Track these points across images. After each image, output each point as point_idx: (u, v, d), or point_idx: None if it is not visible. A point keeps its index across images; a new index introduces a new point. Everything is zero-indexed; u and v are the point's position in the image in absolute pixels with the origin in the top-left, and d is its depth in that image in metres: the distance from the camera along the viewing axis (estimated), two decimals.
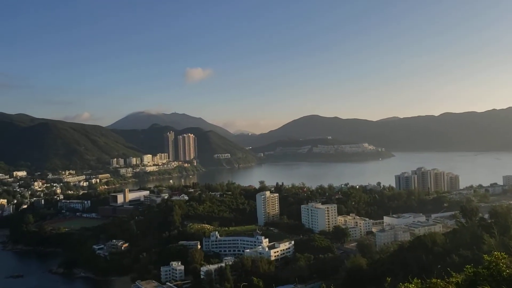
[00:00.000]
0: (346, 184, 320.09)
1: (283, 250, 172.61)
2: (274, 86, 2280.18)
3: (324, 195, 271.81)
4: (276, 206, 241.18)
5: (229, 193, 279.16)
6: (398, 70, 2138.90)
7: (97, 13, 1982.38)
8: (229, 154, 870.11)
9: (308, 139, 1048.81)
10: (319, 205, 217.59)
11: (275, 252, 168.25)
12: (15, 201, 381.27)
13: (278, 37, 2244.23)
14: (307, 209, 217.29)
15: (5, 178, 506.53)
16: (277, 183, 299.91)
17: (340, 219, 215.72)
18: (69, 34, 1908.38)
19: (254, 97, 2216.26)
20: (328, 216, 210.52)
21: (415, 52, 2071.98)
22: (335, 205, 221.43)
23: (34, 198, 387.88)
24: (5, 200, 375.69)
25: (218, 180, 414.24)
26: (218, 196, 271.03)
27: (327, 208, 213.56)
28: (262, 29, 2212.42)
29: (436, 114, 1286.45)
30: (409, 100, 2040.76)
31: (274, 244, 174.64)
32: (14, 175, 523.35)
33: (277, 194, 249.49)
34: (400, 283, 19.98)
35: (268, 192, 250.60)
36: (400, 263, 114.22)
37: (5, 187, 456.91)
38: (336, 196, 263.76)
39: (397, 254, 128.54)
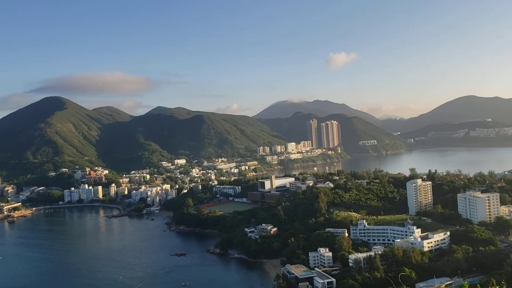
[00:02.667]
0: (510, 171, 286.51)
1: (438, 241, 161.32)
2: (424, 65, 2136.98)
3: (484, 183, 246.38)
4: (429, 195, 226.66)
5: (377, 181, 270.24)
6: None
7: (232, 9, 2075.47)
8: (375, 141, 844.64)
9: (464, 122, 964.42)
10: (479, 194, 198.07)
11: (428, 243, 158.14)
12: (177, 186, 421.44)
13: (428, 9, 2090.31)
14: (465, 198, 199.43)
15: (168, 166, 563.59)
16: (429, 171, 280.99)
17: (504, 209, 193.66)
18: (220, 37, 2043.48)
19: (403, 79, 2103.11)
20: (489, 205, 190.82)
21: None
22: (497, 194, 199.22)
23: (193, 184, 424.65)
24: (169, 186, 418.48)
25: (364, 167, 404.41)
26: (365, 184, 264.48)
27: (488, 197, 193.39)
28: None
29: None
30: None
31: (427, 234, 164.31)
32: (175, 163, 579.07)
33: (430, 182, 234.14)
34: None
35: (420, 180, 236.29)
36: None
37: (169, 174, 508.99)
38: (499, 184, 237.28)
39: None
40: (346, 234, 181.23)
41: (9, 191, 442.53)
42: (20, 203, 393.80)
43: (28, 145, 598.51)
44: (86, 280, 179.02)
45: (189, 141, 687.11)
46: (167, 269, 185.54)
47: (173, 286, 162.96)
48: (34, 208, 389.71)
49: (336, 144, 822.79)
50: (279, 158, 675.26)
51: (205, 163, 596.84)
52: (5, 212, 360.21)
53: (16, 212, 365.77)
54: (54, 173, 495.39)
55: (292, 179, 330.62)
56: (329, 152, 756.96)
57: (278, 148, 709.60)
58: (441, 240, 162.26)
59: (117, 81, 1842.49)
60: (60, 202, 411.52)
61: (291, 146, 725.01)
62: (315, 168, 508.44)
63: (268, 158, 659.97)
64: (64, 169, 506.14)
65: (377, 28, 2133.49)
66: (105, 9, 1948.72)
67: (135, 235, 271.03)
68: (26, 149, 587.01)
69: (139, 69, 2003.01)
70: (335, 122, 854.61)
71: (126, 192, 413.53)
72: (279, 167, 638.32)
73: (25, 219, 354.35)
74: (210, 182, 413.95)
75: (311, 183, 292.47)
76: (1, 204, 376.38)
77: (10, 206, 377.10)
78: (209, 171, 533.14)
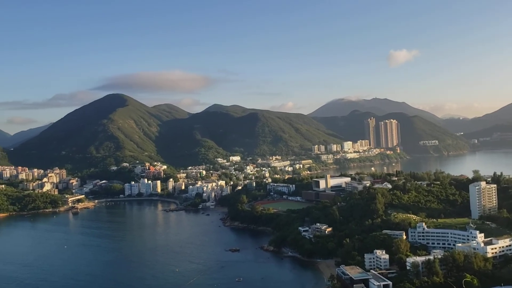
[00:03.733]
0: None
1: (503, 247, 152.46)
2: (492, 62, 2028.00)
3: None
4: (494, 199, 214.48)
5: (437, 182, 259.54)
6: None
7: (290, 8, 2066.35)
8: (436, 141, 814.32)
9: None
10: None
11: (492, 249, 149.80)
12: (232, 182, 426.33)
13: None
14: None
15: (224, 163, 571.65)
16: (494, 173, 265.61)
17: None
18: (277, 36, 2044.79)
19: (467, 77, 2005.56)
20: None
21: None
22: None
23: (247, 181, 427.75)
24: (224, 182, 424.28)
25: (424, 168, 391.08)
26: (425, 185, 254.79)
27: None
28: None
29: None
30: None
31: (491, 240, 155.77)
32: (230, 160, 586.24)
33: (495, 185, 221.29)
34: None
35: (484, 182, 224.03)
36: None
37: (224, 170, 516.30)
38: None
39: None
40: (404, 237, 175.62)
41: (73, 184, 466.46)
42: (83, 196, 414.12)
43: (92, 140, 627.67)
44: (146, 270, 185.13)
45: (244, 139, 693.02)
46: (221, 264, 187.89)
47: (227, 281, 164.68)
48: (96, 201, 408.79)
49: (395, 144, 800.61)
50: (335, 157, 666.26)
51: (259, 161, 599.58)
52: (70, 204, 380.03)
53: (79, 204, 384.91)
54: (116, 167, 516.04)
55: (348, 179, 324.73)
56: (388, 152, 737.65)
57: (334, 147, 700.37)
58: (507, 246, 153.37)
59: (176, 79, 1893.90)
60: (121, 195, 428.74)
61: (348, 145, 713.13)
62: (372, 168, 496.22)
63: (323, 157, 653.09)
64: (125, 164, 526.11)
65: (443, 27, 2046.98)
66: (166, 8, 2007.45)
67: (191, 229, 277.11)
68: (90, 144, 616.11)
69: (197, 67, 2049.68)
70: (394, 121, 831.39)
71: (183, 187, 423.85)
72: (335, 166, 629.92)
73: (88, 210, 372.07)
74: (264, 180, 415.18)
75: (368, 183, 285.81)
76: (66, 196, 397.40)
77: (74, 198, 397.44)
78: (263, 169, 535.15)
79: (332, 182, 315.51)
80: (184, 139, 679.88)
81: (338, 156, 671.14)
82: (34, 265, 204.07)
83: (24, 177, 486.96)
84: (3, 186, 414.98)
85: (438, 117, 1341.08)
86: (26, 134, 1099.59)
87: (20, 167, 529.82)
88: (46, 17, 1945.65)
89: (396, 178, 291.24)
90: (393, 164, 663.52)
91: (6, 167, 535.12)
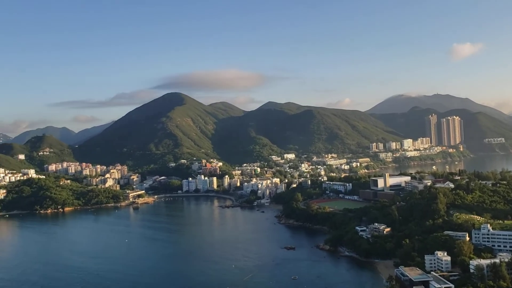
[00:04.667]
0: None
1: None
2: None
3: None
4: None
5: (504, 182, 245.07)
6: None
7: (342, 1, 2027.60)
8: (503, 138, 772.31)
9: None
10: None
11: None
12: (286, 180, 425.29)
13: None
14: None
15: (278, 160, 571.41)
16: None
17: None
18: (332, 30, 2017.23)
19: None
20: None
21: None
22: None
23: (302, 179, 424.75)
24: (278, 179, 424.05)
25: (490, 167, 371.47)
26: (490, 185, 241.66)
27: None
28: None
29: None
30: None
31: None
32: (285, 157, 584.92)
33: None
34: None
35: None
36: None
37: (278, 168, 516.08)
38: None
39: None
40: (467, 238, 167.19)
41: (134, 180, 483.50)
42: (143, 191, 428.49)
43: (152, 138, 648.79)
44: (204, 264, 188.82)
45: (299, 136, 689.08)
46: (276, 261, 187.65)
47: (283, 279, 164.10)
48: (155, 196, 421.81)
49: (457, 142, 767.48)
50: (394, 155, 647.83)
51: (315, 159, 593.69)
52: (131, 199, 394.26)
53: (140, 199, 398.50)
54: (174, 164, 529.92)
55: (407, 178, 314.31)
56: (450, 150, 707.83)
57: (393, 145, 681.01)
58: None
59: (232, 77, 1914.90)
60: (179, 191, 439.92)
61: (407, 143, 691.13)
62: (433, 167, 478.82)
63: (382, 155, 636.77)
64: (183, 160, 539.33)
65: (511, 18, 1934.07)
66: (223, 8, 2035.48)
67: (246, 226, 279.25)
68: (149, 141, 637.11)
69: (253, 66, 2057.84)
70: (457, 118, 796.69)
71: (238, 184, 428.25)
72: (394, 165, 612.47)
73: (147, 205, 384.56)
74: (320, 178, 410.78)
75: (429, 182, 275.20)
76: (127, 191, 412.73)
77: (135, 193, 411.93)
78: (319, 167, 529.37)
79: (391, 181, 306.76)
80: (239, 136, 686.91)
81: (398, 154, 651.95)
82: (100, 256, 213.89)
83: (88, 173, 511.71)
84: (68, 181, 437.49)
85: (504, 114, 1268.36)
86: (90, 132, 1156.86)
87: (84, 164, 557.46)
88: (108, 20, 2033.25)
89: (459, 178, 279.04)
90: (456, 162, 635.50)
91: (71, 163, 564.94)
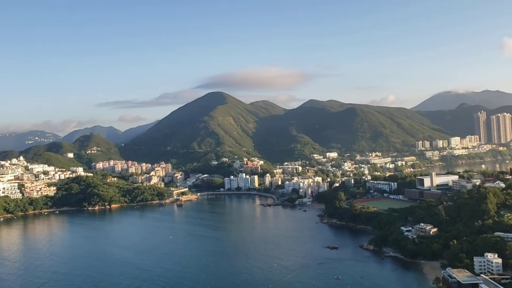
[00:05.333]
0: None
1: None
2: None
3: None
4: None
5: None
6: None
7: None
8: None
9: None
10: None
11: None
12: (328, 179, 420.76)
13: None
14: None
15: (320, 159, 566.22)
16: None
17: None
18: (375, 27, 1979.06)
19: None
20: None
21: None
22: None
23: (345, 178, 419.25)
24: (321, 178, 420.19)
25: None
26: None
27: None
28: None
29: None
30: None
31: None
32: (327, 156, 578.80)
33: None
34: None
35: None
36: None
37: (320, 167, 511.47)
38: None
39: None
40: None
41: (178, 177, 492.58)
42: (187, 189, 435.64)
43: (194, 136, 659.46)
44: (246, 261, 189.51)
45: (341, 134, 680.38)
46: (319, 261, 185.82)
47: (325, 278, 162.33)
48: (199, 194, 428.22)
49: (508, 140, 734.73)
50: (441, 153, 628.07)
51: (358, 157, 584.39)
52: (175, 196, 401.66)
53: (183, 196, 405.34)
54: (216, 162, 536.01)
55: (455, 177, 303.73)
56: (500, 149, 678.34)
57: (440, 143, 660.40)
58: None
59: (273, 76, 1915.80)
60: (221, 189, 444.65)
61: (455, 141, 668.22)
62: (483, 166, 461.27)
63: (428, 154, 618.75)
64: (224, 159, 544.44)
65: None
66: (264, 6, 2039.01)
67: (288, 225, 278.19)
68: (192, 140, 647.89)
69: (294, 64, 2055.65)
70: (507, 115, 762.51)
71: (279, 183, 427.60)
72: (441, 163, 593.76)
73: (191, 203, 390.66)
74: (363, 177, 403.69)
75: (478, 182, 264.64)
76: (171, 189, 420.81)
77: (179, 191, 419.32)
78: (362, 166, 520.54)
79: (438, 180, 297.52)
80: (280, 135, 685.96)
81: (445, 153, 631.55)
82: (147, 251, 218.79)
83: (133, 171, 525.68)
84: (115, 179, 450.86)
85: None
86: (135, 131, 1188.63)
87: (130, 162, 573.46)
88: (153, 24, 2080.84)
89: (510, 177, 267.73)
90: (507, 161, 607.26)
91: (118, 162, 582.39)
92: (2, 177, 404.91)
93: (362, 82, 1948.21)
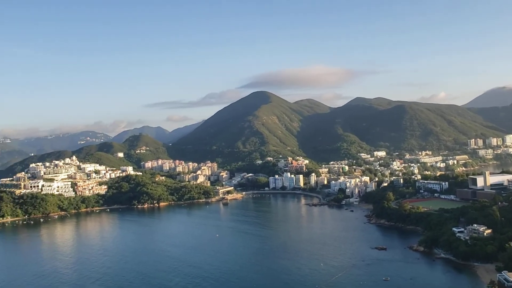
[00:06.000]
0: None
1: None
2: None
3: None
4: None
5: None
6: None
7: None
8: None
9: None
10: None
11: None
12: (376, 179, 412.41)
13: None
14: None
15: (367, 158, 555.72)
16: None
17: None
18: (426, 21, 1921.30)
19: None
20: None
21: None
22: None
23: (393, 177, 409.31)
24: (368, 178, 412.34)
25: None
26: None
27: None
28: None
29: None
30: None
31: None
32: (375, 155, 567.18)
33: None
34: None
35: None
36: None
37: (367, 166, 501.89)
38: None
39: None
40: None
41: (223, 176, 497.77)
42: (232, 187, 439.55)
43: (239, 136, 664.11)
44: (292, 261, 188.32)
45: (389, 133, 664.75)
46: (367, 262, 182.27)
47: (373, 279, 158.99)
48: (244, 192, 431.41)
49: None
50: (495, 152, 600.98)
51: (407, 156, 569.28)
52: (220, 195, 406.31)
53: (229, 195, 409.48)
54: (261, 161, 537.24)
55: (510, 176, 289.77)
56: None
57: (494, 141, 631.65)
58: None
59: (319, 74, 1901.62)
60: (266, 188, 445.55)
61: (510, 138, 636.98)
62: None
63: (481, 152, 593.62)
64: (269, 158, 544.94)
65: None
66: (308, 5, 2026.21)
67: (335, 225, 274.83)
68: (237, 139, 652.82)
69: (340, 61, 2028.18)
70: None
71: (325, 182, 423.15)
72: (495, 162, 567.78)
73: (236, 201, 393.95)
74: (413, 176, 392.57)
75: None
76: (217, 188, 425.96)
77: (224, 189, 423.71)
78: (412, 165, 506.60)
79: (492, 179, 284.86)
80: (325, 133, 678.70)
81: (499, 151, 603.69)
82: (196, 248, 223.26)
83: (180, 170, 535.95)
84: (163, 178, 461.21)
85: None
86: (182, 131, 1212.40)
87: (177, 161, 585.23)
88: (198, 23, 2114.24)
89: None
90: None
91: (165, 161, 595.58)
92: (56, 176, 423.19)
93: (411, 79, 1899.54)
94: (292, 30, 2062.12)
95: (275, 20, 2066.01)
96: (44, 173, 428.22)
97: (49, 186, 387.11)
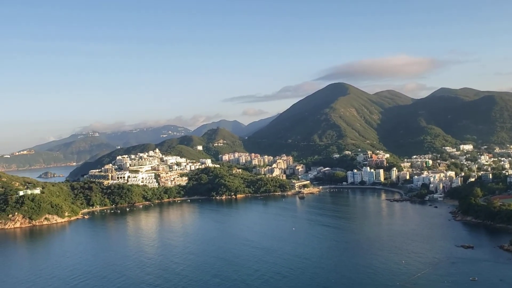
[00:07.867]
0: None
1: None
2: None
3: None
4: None
5: None
6: None
7: None
8: None
9: None
10: None
11: None
12: (463, 173, 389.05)
13: None
14: None
15: (453, 151, 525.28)
16: None
17: None
18: None
19: None
20: None
21: None
22: None
23: (481, 172, 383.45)
24: (453, 173, 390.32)
25: None
26: None
27: None
28: None
29: None
30: None
31: None
32: (461, 149, 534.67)
33: None
34: None
35: None
36: None
37: (453, 160, 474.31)
38: None
39: None
40: None
41: (299, 170, 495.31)
42: (308, 181, 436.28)
43: (315, 129, 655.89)
44: (372, 256, 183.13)
45: (477, 125, 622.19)
46: (452, 260, 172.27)
47: (460, 279, 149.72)
48: (320, 187, 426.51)
49: None
50: None
51: (497, 150, 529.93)
52: (296, 189, 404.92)
53: (305, 189, 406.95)
54: (338, 155, 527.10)
55: None
56: None
57: None
58: None
59: (400, 64, 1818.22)
60: (344, 183, 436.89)
61: None
62: None
63: None
64: (347, 152, 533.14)
65: None
66: None
67: (417, 221, 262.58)
68: (313, 133, 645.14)
69: (425, 50, 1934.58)
70: None
71: (407, 177, 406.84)
72: None
73: (313, 196, 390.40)
74: (504, 171, 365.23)
75: None
76: (293, 181, 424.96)
77: (300, 183, 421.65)
78: (502, 159, 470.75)
79: None
80: (407, 126, 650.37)
81: None
82: (275, 238, 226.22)
83: (256, 163, 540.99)
84: (240, 170, 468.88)
85: None
86: (258, 124, 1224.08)
87: (253, 154, 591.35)
88: (276, 18, 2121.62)
89: None
90: None
91: (242, 154, 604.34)
92: (141, 167, 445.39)
93: (502, 67, 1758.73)
94: (370, 18, 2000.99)
95: (352, 9, 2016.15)
96: (130, 165, 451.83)
97: (134, 177, 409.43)
